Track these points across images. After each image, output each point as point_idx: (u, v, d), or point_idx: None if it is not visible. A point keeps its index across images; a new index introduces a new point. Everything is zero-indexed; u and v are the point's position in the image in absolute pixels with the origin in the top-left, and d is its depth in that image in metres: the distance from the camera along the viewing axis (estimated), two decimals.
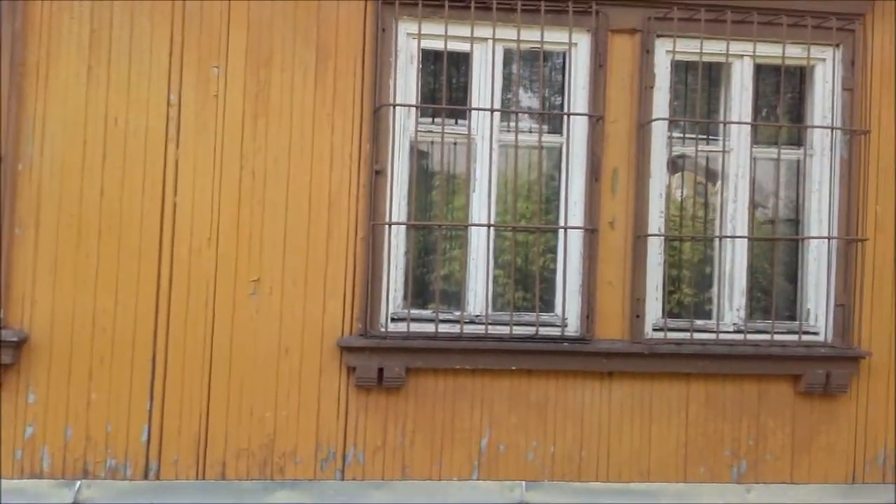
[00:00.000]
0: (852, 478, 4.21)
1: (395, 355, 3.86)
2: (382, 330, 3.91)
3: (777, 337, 4.14)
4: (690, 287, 4.27)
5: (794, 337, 4.17)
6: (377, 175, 3.94)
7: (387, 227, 3.90)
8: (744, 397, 4.16)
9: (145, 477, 3.78)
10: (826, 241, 4.23)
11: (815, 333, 4.25)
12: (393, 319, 3.96)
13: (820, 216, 4.28)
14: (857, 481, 4.21)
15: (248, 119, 3.84)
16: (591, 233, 4.07)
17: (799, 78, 4.43)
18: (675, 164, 4.36)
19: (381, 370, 3.86)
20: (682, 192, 4.56)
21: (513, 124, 4.17)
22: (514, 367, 3.98)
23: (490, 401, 4.00)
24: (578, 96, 4.15)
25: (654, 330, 4.13)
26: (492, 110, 4.01)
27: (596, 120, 4.09)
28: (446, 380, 3.97)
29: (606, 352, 4.03)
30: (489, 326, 3.97)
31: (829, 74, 4.31)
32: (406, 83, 4.01)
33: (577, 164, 4.13)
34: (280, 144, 3.86)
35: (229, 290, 3.81)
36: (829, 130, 4.27)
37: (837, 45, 4.28)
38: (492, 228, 4.01)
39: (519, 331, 3.99)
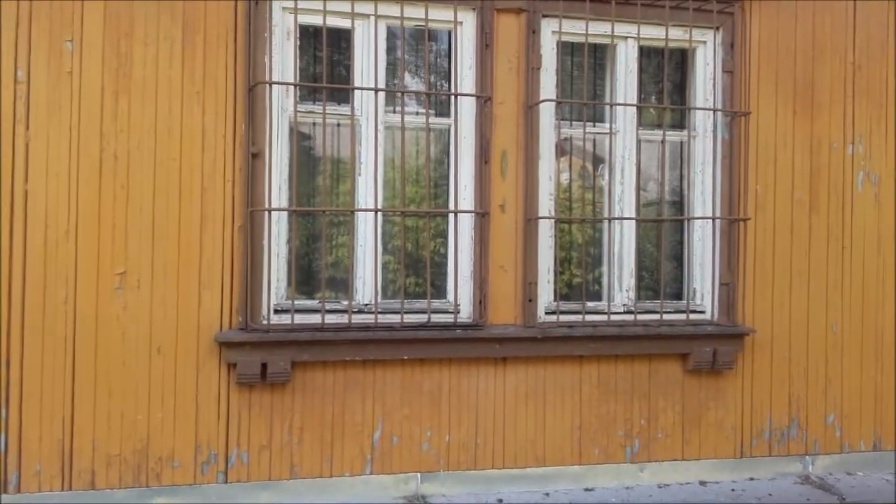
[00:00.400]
0: (740, 452, 4.29)
1: (279, 349, 3.65)
2: (265, 323, 3.68)
3: (665, 316, 4.17)
4: (581, 269, 4.24)
5: (682, 316, 4.21)
6: (254, 158, 3.70)
7: (266, 213, 3.67)
8: (635, 377, 4.17)
9: (4, 491, 3.42)
10: (710, 221, 4.29)
11: (702, 312, 4.31)
12: (276, 311, 3.74)
13: (703, 197, 4.34)
14: (745, 455, 4.29)
15: (109, 97, 3.52)
16: (481, 216, 3.97)
17: (682, 61, 4.47)
18: (563, 147, 4.32)
19: (264, 365, 3.63)
20: (570, 175, 4.53)
21: (403, 106, 4.00)
22: (406, 357, 3.83)
23: (382, 392, 3.84)
24: (465, 77, 4.04)
25: (547, 313, 4.08)
26: (375, 90, 3.84)
27: (484, 101, 3.99)
28: (335, 372, 3.78)
29: (500, 337, 3.95)
30: (379, 315, 3.81)
31: (711, 57, 4.37)
32: (283, 60, 3.78)
33: (466, 146, 4.03)
34: (144, 124, 3.56)
35: (91, 285, 3.49)
36: (711, 113, 4.33)
37: (718, 29, 4.34)
38: (379, 213, 3.85)
39: (410, 319, 3.85)
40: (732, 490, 4.11)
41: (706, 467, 4.23)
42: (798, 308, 4.39)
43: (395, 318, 3.81)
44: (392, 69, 4.04)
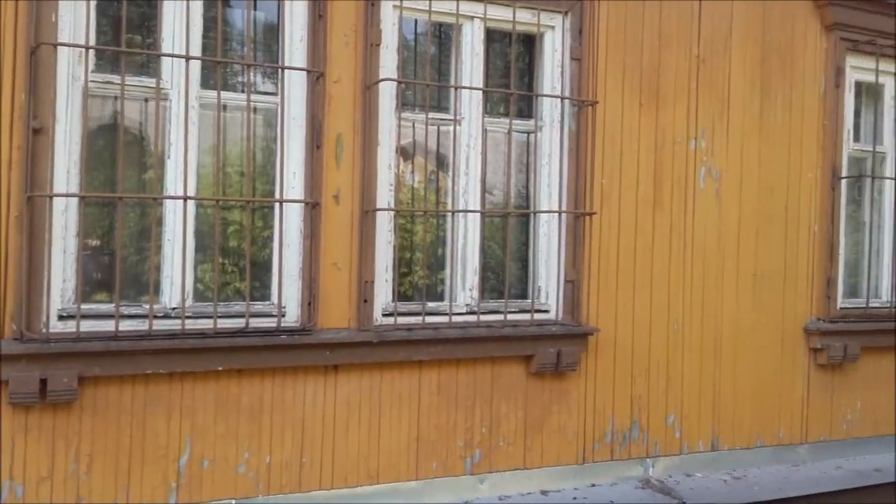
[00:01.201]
0: (583, 457, 4.13)
1: (63, 362, 3.06)
2: (45, 331, 3.08)
3: (510, 317, 3.93)
4: (422, 267, 3.91)
5: (527, 316, 3.99)
6: (36, 134, 3.09)
7: (48, 199, 3.07)
8: (477, 382, 3.90)
9: None
10: (556, 215, 4.08)
11: (546, 311, 4.10)
12: (61, 317, 3.15)
13: (550, 190, 4.12)
14: (588, 461, 4.14)
15: None
16: (312, 207, 3.55)
17: (531, 46, 4.22)
18: (404, 133, 3.96)
19: (44, 382, 3.04)
20: (412, 163, 4.19)
21: (220, 79, 3.48)
22: (220, 368, 3.35)
23: (191, 409, 3.34)
24: (296, 50, 3.59)
25: (384, 315, 3.73)
26: (187, 58, 3.30)
27: (316, 78, 3.56)
28: (134, 388, 3.24)
29: (331, 342, 3.55)
30: (189, 321, 3.31)
31: (559, 43, 4.16)
32: (76, 19, 3.17)
33: (296, 128, 3.59)
34: None
35: None
36: (558, 102, 4.11)
37: (566, 13, 4.12)
38: (190, 202, 3.34)
39: (226, 324, 3.37)
40: (574, 498, 3.94)
41: (548, 475, 4.04)
42: (641, 306, 4.28)
43: (208, 324, 3.32)
44: (208, 33, 3.50)
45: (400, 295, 3.81)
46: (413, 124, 3.99)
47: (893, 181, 5.02)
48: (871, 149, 4.99)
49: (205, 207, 3.51)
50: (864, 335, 4.84)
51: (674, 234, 4.37)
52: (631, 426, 4.25)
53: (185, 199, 3.29)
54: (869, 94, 5.08)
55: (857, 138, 5.04)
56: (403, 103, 3.86)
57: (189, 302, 3.38)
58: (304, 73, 3.55)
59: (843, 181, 4.86)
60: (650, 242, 4.31)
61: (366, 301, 3.66)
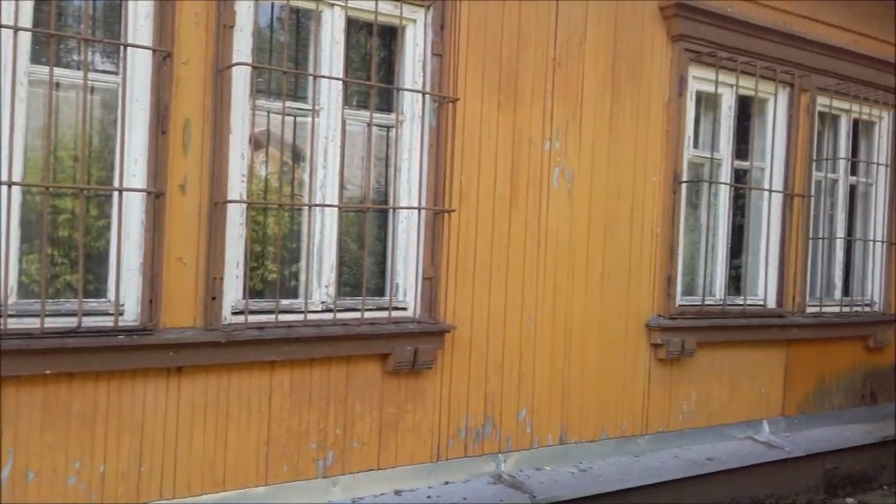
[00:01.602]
0: (437, 455, 4.12)
1: None
2: None
3: (368, 314, 3.85)
4: (276, 263, 3.74)
5: (385, 314, 3.92)
6: None
7: None
8: (332, 382, 3.80)
9: None
10: (416, 212, 4.03)
11: (404, 309, 4.05)
12: None
13: (409, 186, 4.07)
14: (442, 458, 4.14)
15: None
16: (155, 197, 3.31)
17: (391, 39, 4.14)
18: (259, 122, 3.77)
19: None
20: (266, 154, 4.01)
21: (53, 55, 3.16)
22: (48, 371, 3.06)
23: (15, 416, 3.03)
24: (140, 27, 3.33)
25: (234, 313, 3.55)
26: (16, 29, 2.96)
27: (162, 58, 3.31)
28: None
29: (175, 343, 3.33)
30: (12, 319, 2.99)
31: (420, 37, 4.10)
32: None
33: (139, 111, 3.33)
34: None
35: None
36: (419, 97, 4.06)
37: (428, 7, 4.07)
38: (16, 188, 3.02)
39: (56, 323, 3.07)
40: (428, 497, 3.92)
41: (403, 475, 4.00)
42: (496, 303, 4.32)
43: (35, 323, 3.01)
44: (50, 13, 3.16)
45: (252, 292, 3.64)
46: (268, 113, 3.81)
47: (728, 186, 5.34)
48: (708, 155, 5.29)
49: (33, 194, 3.19)
50: (700, 331, 5.13)
51: (528, 233, 4.44)
52: (484, 422, 4.29)
53: (10, 185, 2.96)
54: (708, 103, 5.38)
55: (696, 145, 5.32)
56: (258, 90, 3.67)
57: (13, 299, 3.05)
58: (150, 52, 3.30)
59: (684, 185, 5.12)
60: (506, 241, 4.35)
61: (214, 298, 3.47)
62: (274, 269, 3.75)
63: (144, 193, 3.29)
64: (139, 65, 3.32)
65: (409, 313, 4.04)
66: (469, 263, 4.22)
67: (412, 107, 4.08)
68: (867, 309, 6.27)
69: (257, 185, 3.90)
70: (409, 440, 4.04)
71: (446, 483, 4.09)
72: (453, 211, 4.09)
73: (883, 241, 6.31)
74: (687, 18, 4.97)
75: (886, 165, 6.33)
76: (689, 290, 5.30)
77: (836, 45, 5.79)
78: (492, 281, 4.29)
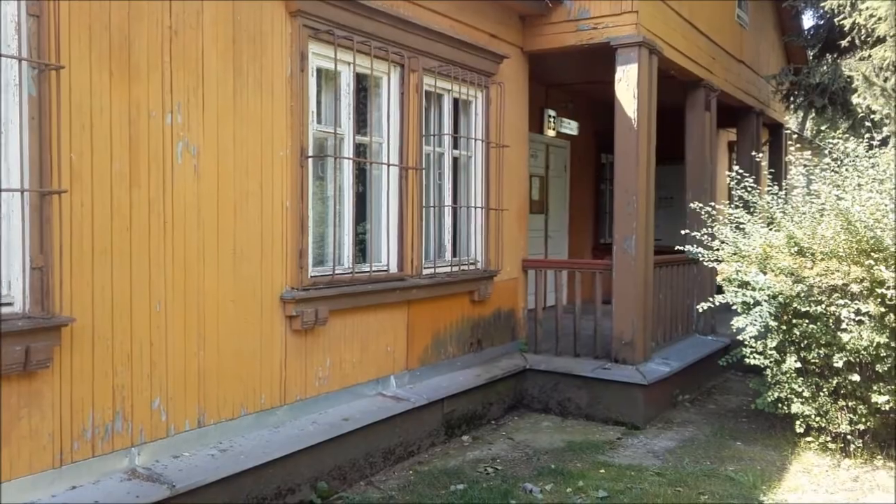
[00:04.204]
0: (60, 460, 3.76)
1: None
2: None
3: None
4: None
5: None
6: None
7: None
8: None
9: None
10: (26, 194, 3.57)
11: (10, 304, 3.60)
12: None
13: (8, 165, 3.59)
14: (66, 462, 3.78)
15: None
16: None
17: None
18: None
19: None
20: None
21: None
22: None
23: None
24: None
25: None
26: None
27: None
28: None
29: None
30: None
31: None
32: None
33: None
34: None
35: None
36: (15, 63, 3.57)
37: None
38: None
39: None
40: None
41: (22, 486, 3.57)
42: (121, 290, 4.04)
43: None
44: None
45: None
46: None
47: (350, 161, 5.61)
48: (332, 130, 5.49)
49: None
50: (332, 300, 5.36)
51: (153, 213, 4.21)
52: (114, 417, 4.01)
53: None
54: (329, 80, 5.56)
55: (320, 120, 5.48)
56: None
57: None
58: None
59: (310, 160, 5.26)
60: (128, 222, 4.08)
61: None
62: None
63: None
64: None
65: (16, 309, 3.60)
66: (87, 249, 3.87)
67: (7, 73, 3.58)
68: (472, 268, 7.09)
69: None
70: (27, 448, 3.62)
71: (73, 488, 3.75)
72: (64, 192, 3.71)
73: (481, 208, 7.16)
74: None
75: (481, 140, 7.17)
76: (320, 261, 5.50)
77: (440, 31, 6.37)
78: (114, 267, 4.00)
